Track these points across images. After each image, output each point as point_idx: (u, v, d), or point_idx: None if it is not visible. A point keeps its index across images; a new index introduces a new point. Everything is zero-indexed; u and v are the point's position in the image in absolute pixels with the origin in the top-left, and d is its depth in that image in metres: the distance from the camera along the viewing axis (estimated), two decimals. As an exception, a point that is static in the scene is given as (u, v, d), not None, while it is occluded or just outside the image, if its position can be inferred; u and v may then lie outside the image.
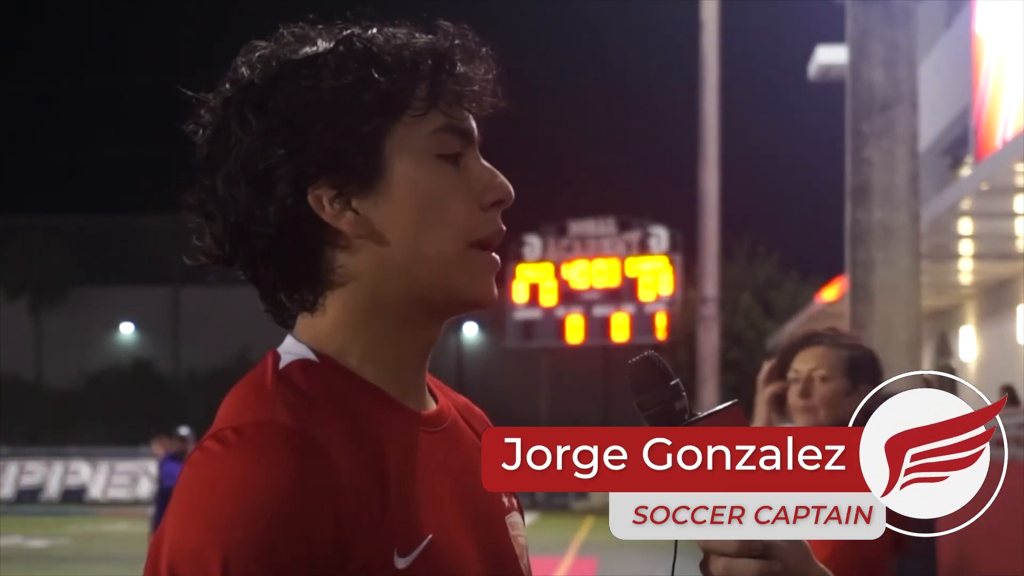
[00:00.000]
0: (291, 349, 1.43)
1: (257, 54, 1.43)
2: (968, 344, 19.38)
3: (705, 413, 1.41)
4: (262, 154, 1.38)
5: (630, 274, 38.20)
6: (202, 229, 1.45)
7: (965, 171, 18.29)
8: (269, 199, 1.38)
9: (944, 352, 20.71)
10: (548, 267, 38.72)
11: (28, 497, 34.66)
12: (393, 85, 1.39)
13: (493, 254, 1.45)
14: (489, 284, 1.44)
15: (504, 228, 1.45)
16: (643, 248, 38.27)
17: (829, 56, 20.08)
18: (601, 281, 38.50)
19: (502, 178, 1.45)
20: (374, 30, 1.44)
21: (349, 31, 1.43)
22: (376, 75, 1.39)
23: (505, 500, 1.51)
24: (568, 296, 38.76)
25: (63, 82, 61.80)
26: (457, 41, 1.44)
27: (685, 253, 36.86)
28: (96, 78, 63.11)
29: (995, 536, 9.00)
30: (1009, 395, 12.70)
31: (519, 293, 38.77)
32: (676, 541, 1.47)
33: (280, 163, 1.38)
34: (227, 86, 1.43)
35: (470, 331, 51.50)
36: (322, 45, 1.42)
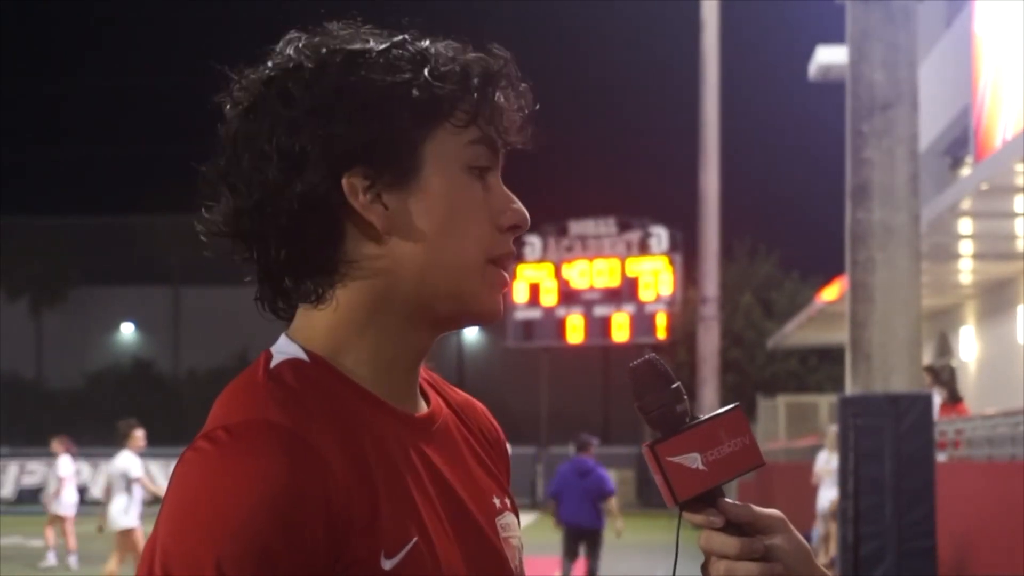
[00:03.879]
0: (283, 349, 1.43)
1: (304, 40, 1.44)
2: (968, 344, 19.38)
3: (706, 416, 1.41)
4: (301, 133, 1.38)
5: (630, 274, 38.21)
6: (214, 203, 1.44)
7: (965, 171, 18.29)
8: (299, 179, 1.38)
9: (944, 352, 20.71)
10: (548, 267, 38.73)
11: (28, 497, 34.61)
12: (442, 91, 1.41)
13: (504, 273, 1.46)
14: (498, 300, 1.46)
15: (515, 251, 1.48)
16: (643, 248, 38.27)
17: (829, 56, 20.05)
18: (601, 281, 38.52)
19: (519, 204, 1.47)
20: (426, 41, 1.46)
21: (402, 36, 1.45)
22: (428, 78, 1.41)
23: (497, 501, 1.51)
24: (568, 296, 38.77)
25: (64, 83, 61.82)
26: (505, 68, 1.46)
27: (685, 253, 36.88)
28: (97, 78, 63.13)
29: (995, 536, 9.01)
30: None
31: (519, 293, 38.79)
32: (677, 541, 1.48)
33: (318, 145, 1.38)
34: (270, 66, 1.44)
35: (470, 331, 51.54)
36: (374, 43, 1.44)
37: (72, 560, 17.56)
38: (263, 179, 1.39)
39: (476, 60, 1.45)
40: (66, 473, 18.01)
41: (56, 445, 18.44)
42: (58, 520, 17.76)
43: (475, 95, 1.43)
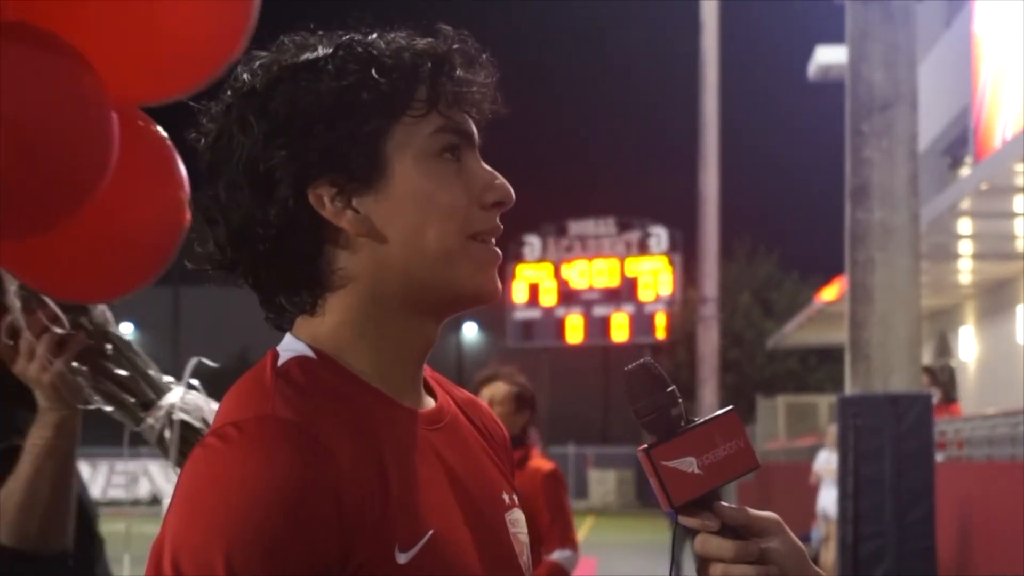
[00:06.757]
0: (290, 347, 1.44)
1: (258, 62, 1.45)
2: (967, 344, 19.36)
3: (701, 420, 1.41)
4: (263, 156, 1.40)
5: (630, 274, 38.23)
6: (204, 236, 1.46)
7: (965, 171, 18.27)
8: (270, 201, 1.40)
9: (944, 352, 20.70)
10: (548, 267, 38.75)
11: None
12: (393, 86, 1.41)
13: (495, 247, 1.46)
14: (492, 275, 1.46)
15: (502, 227, 1.47)
16: (643, 248, 38.29)
17: (829, 56, 20.05)
18: (601, 281, 38.54)
19: (503, 179, 1.46)
20: (374, 35, 1.46)
21: (349, 36, 1.45)
22: (376, 76, 1.41)
23: (506, 497, 1.52)
24: (568, 296, 38.79)
25: (63, 82, 61.93)
26: (456, 45, 1.45)
27: (685, 253, 36.91)
28: (96, 78, 63.23)
29: (995, 536, 9.00)
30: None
31: (519, 293, 38.79)
32: (673, 545, 1.48)
33: (281, 164, 1.39)
34: (228, 93, 1.45)
35: (470, 331, 51.52)
36: (322, 50, 1.44)
37: None
38: (239, 208, 1.41)
39: (426, 47, 1.44)
40: None
41: None
42: None
43: (428, 82, 1.42)
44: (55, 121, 1.98)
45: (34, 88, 1.96)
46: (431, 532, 1.36)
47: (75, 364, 2.37)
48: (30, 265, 2.21)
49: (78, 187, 2.04)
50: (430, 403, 1.50)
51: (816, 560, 13.27)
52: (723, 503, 1.41)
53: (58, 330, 2.32)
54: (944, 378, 12.95)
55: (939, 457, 10.07)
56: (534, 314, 39.14)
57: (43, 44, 2.00)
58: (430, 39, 1.46)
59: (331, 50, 1.44)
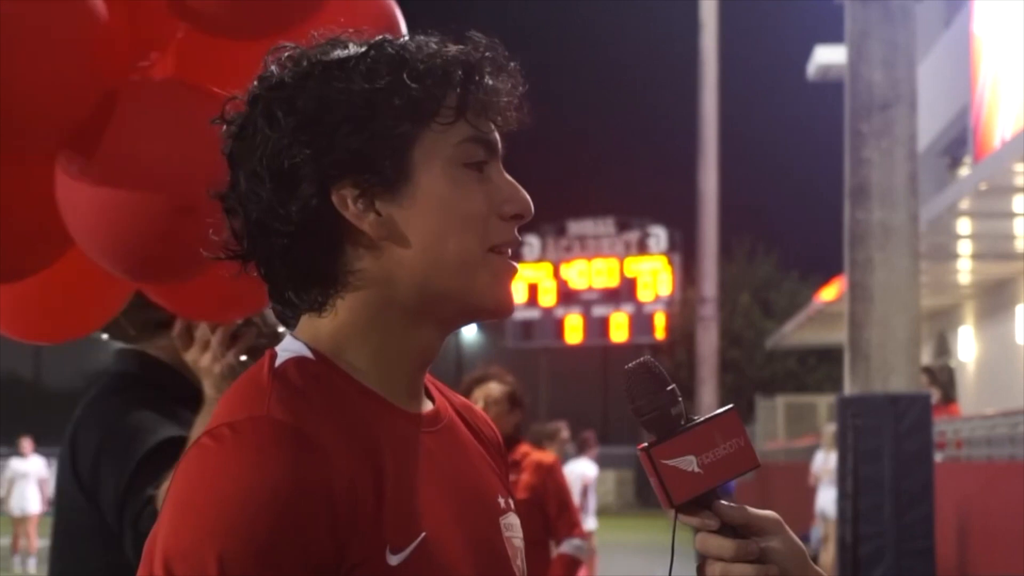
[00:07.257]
0: (288, 347, 1.43)
1: (287, 54, 1.44)
2: (967, 344, 19.36)
3: (701, 418, 1.41)
4: (288, 152, 1.39)
5: (629, 274, 38.23)
6: (220, 224, 1.46)
7: (964, 171, 18.28)
8: (292, 197, 1.39)
9: (943, 352, 20.70)
10: (547, 267, 38.75)
11: (27, 497, 34.54)
12: (423, 92, 1.41)
13: (511, 260, 1.46)
14: (508, 291, 1.46)
15: (520, 239, 1.47)
16: (642, 248, 38.29)
17: (828, 56, 20.06)
18: (600, 281, 38.54)
19: (524, 193, 1.47)
20: (405, 37, 1.45)
21: (381, 37, 1.45)
22: (407, 81, 1.40)
23: (501, 502, 1.52)
24: (567, 296, 38.80)
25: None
26: (487, 54, 1.45)
27: (684, 253, 36.89)
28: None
29: (994, 536, 9.00)
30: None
31: (518, 293, 38.81)
32: (673, 544, 1.48)
33: (306, 162, 1.38)
34: (255, 83, 1.44)
35: (469, 331, 51.52)
36: (354, 49, 1.43)
37: (31, 562, 17.56)
38: (259, 200, 1.40)
39: (457, 53, 1.43)
40: (35, 471, 18.17)
41: (26, 445, 18.51)
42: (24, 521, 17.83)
43: (458, 90, 1.42)
44: (211, 178, 2.03)
45: (193, 146, 1.99)
46: (423, 534, 1.36)
47: (244, 358, 2.44)
48: (168, 295, 2.39)
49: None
50: (428, 406, 1.49)
51: (816, 560, 13.22)
52: (723, 502, 1.41)
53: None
54: (943, 378, 12.94)
55: (938, 457, 10.06)
56: (533, 314, 39.14)
57: (198, 100, 2.02)
58: (461, 46, 1.45)
59: (363, 50, 1.43)
